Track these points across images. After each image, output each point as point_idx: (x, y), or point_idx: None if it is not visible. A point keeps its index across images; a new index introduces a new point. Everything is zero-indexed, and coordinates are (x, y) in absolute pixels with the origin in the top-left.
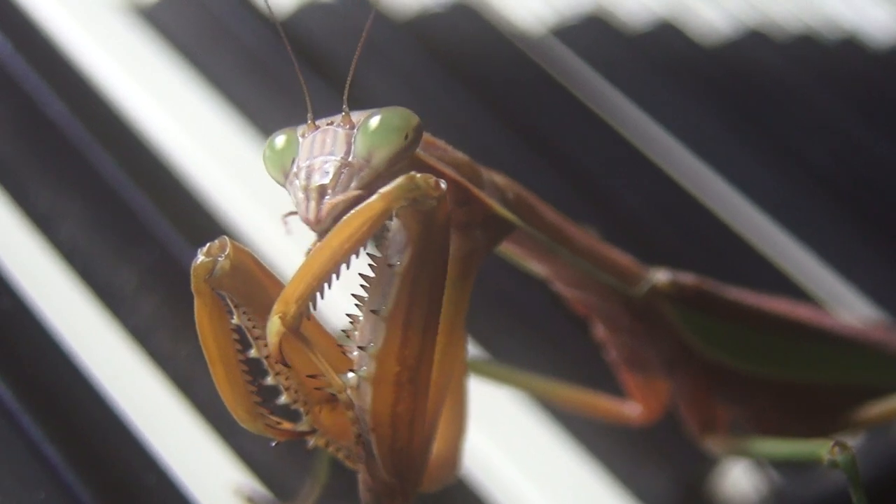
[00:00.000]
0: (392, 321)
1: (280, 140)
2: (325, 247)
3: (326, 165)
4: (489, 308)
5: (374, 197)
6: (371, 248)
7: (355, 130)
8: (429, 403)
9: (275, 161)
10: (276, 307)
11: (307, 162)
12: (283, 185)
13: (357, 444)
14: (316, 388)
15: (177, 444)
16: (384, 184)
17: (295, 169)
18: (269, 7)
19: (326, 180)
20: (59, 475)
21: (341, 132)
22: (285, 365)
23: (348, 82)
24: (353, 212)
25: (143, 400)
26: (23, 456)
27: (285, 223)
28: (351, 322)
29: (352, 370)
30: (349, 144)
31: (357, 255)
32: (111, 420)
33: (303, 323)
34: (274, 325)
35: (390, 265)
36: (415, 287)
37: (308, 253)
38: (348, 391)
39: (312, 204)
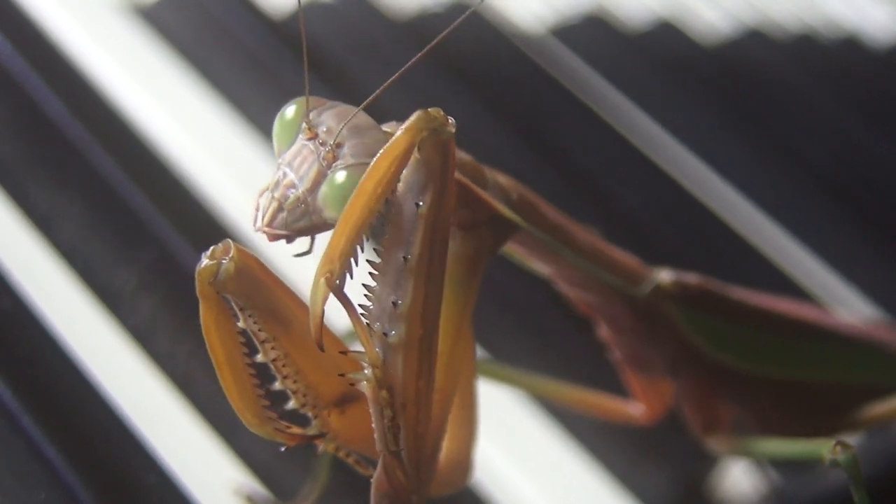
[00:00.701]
0: (419, 269)
1: (290, 112)
2: (360, 194)
3: (290, 191)
4: (492, 308)
5: (398, 133)
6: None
7: (326, 174)
8: (436, 404)
9: (280, 134)
10: (319, 269)
11: (284, 169)
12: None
13: (387, 433)
14: (340, 375)
15: (177, 444)
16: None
17: (280, 160)
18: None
19: (283, 205)
20: (59, 475)
21: (314, 169)
22: (321, 348)
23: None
24: (379, 154)
25: (143, 400)
26: (23, 456)
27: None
28: (366, 294)
29: (378, 339)
30: (316, 184)
31: (389, 199)
32: (111, 420)
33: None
34: (320, 290)
35: (417, 204)
36: (434, 230)
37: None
38: (374, 370)
39: (266, 216)
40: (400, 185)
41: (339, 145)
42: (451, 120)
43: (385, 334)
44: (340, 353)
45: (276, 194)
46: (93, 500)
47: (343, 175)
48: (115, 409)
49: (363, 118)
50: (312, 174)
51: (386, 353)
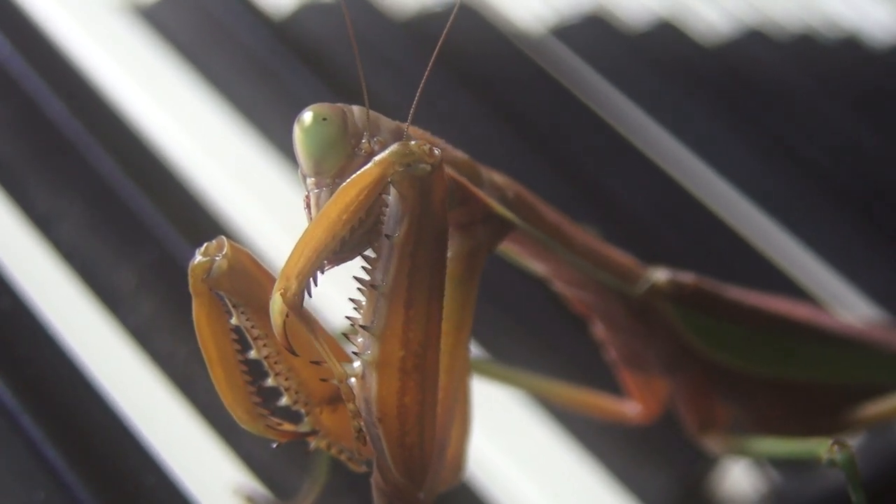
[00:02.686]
0: (393, 296)
1: (329, 122)
2: (323, 218)
3: None
4: (489, 307)
5: (369, 164)
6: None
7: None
8: (432, 407)
9: (321, 145)
10: (276, 284)
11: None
12: (305, 174)
13: (358, 440)
14: (321, 380)
15: (177, 444)
16: None
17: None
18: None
19: None
20: (59, 475)
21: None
22: (292, 352)
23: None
24: (348, 181)
25: (143, 400)
26: (23, 456)
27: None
28: (354, 307)
29: (355, 355)
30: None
31: (356, 226)
32: (111, 420)
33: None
34: (276, 304)
35: (388, 236)
36: (414, 259)
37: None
38: (351, 380)
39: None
40: (384, 213)
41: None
42: (435, 152)
43: (361, 351)
44: (312, 362)
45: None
46: (92, 500)
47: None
48: (115, 409)
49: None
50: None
51: (364, 369)
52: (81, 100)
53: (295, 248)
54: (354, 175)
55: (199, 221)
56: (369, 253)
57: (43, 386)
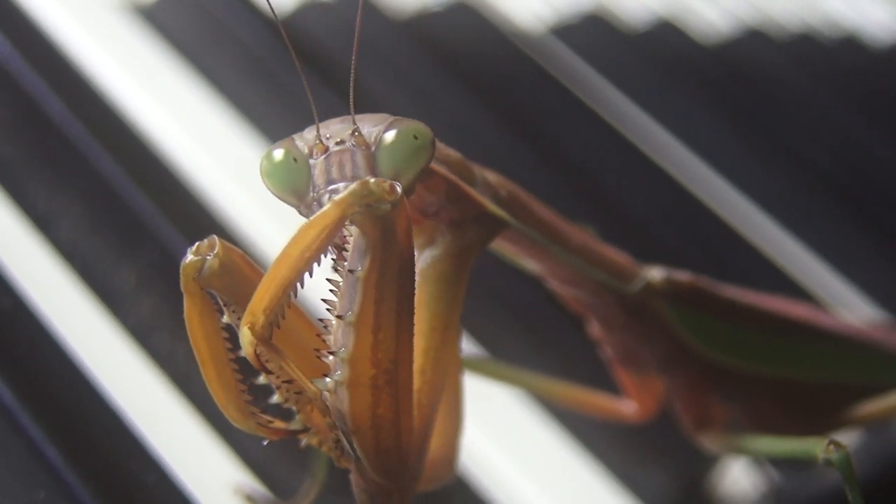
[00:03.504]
0: (360, 326)
1: (281, 155)
2: (286, 256)
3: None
4: (484, 306)
5: (327, 205)
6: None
7: (374, 149)
8: (424, 402)
9: (282, 179)
10: (244, 319)
11: (331, 187)
12: (292, 205)
13: (336, 449)
14: (296, 393)
15: (176, 443)
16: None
17: (313, 194)
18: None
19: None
20: (59, 474)
21: (360, 154)
22: (267, 371)
23: (352, 94)
24: (308, 221)
25: (143, 399)
26: (22, 455)
27: None
28: (325, 326)
29: (327, 375)
30: (371, 166)
31: (318, 263)
32: (111, 419)
33: (282, 320)
34: (245, 337)
35: (351, 271)
36: (380, 292)
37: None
38: (326, 395)
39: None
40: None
41: (355, 131)
42: (397, 189)
43: (331, 371)
44: (284, 382)
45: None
46: (92, 500)
47: (395, 133)
48: (115, 408)
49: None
50: (362, 163)
51: (336, 387)
52: (81, 100)
53: (261, 285)
54: (314, 216)
55: (199, 221)
56: (334, 277)
57: (43, 385)
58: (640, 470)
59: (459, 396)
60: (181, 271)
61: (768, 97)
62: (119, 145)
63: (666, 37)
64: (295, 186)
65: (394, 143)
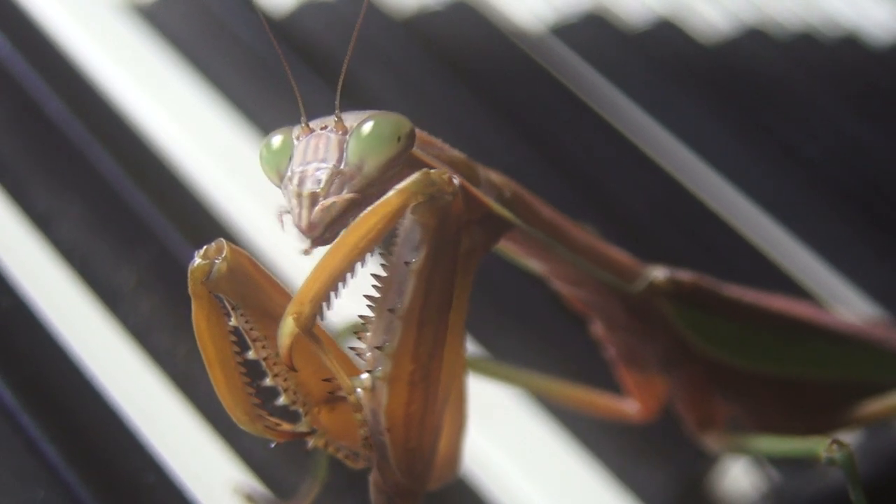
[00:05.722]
0: (408, 319)
1: (275, 141)
2: (341, 245)
3: (319, 172)
4: (488, 306)
5: (390, 193)
6: (383, 248)
7: (348, 136)
8: (430, 407)
9: (270, 163)
10: (289, 308)
11: (300, 168)
12: (279, 187)
13: (364, 447)
14: (324, 381)
15: (176, 443)
16: (377, 189)
17: (289, 173)
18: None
19: (318, 188)
20: (59, 474)
21: (334, 138)
22: (293, 369)
23: (339, 85)
24: (368, 209)
25: (143, 398)
26: (22, 454)
27: (280, 221)
28: (363, 322)
29: (366, 371)
30: (341, 151)
31: (372, 254)
32: (110, 418)
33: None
34: (287, 327)
35: (406, 263)
36: (430, 284)
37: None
38: (359, 392)
39: (304, 211)
40: (399, 238)
41: (339, 119)
42: (455, 182)
43: (372, 368)
44: (324, 381)
45: (306, 190)
46: (92, 499)
47: (370, 124)
48: (115, 407)
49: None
50: (334, 145)
51: (374, 383)
52: (81, 99)
53: (311, 274)
54: (375, 204)
55: (199, 220)
56: (381, 272)
57: (42, 385)
58: (640, 470)
59: (463, 397)
60: (189, 275)
61: (768, 96)
62: (119, 145)
63: (666, 36)
64: (279, 167)
65: (362, 131)
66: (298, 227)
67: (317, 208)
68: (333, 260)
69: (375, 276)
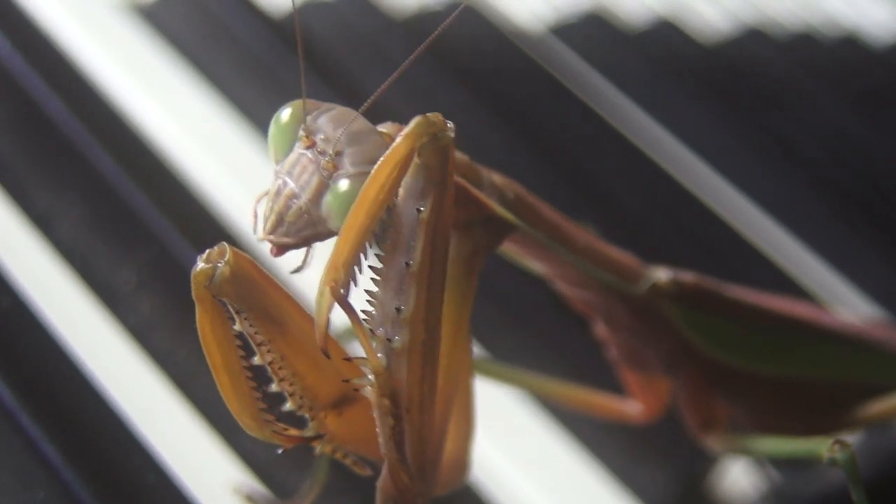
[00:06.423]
0: (421, 274)
1: (285, 116)
2: (362, 201)
3: (292, 202)
4: (490, 307)
5: (398, 139)
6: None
7: (328, 184)
8: (437, 405)
9: (275, 137)
10: (323, 277)
11: (283, 180)
12: (277, 160)
13: (390, 439)
14: (343, 381)
15: (176, 443)
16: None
17: (279, 168)
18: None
19: (285, 216)
20: (58, 474)
21: (315, 179)
22: (326, 355)
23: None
24: (380, 161)
25: (143, 399)
26: (22, 455)
27: (257, 203)
28: (370, 299)
29: (384, 346)
30: (317, 195)
31: (389, 207)
32: (110, 419)
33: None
34: (325, 299)
35: (418, 210)
36: (436, 233)
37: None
38: (370, 377)
39: (267, 225)
40: (400, 191)
41: (338, 153)
42: (449, 124)
43: (389, 340)
44: (345, 360)
45: (277, 205)
46: (92, 499)
47: (346, 184)
48: (115, 408)
49: (360, 123)
50: (314, 185)
51: (390, 359)
52: (81, 99)
53: (339, 238)
54: (384, 155)
55: (199, 220)
56: (382, 238)
57: (42, 385)
58: (640, 470)
59: (471, 399)
60: (192, 279)
61: (768, 96)
62: (119, 145)
63: (666, 36)
64: (281, 144)
65: (338, 189)
66: (255, 232)
67: (273, 235)
68: (357, 219)
69: (379, 243)
